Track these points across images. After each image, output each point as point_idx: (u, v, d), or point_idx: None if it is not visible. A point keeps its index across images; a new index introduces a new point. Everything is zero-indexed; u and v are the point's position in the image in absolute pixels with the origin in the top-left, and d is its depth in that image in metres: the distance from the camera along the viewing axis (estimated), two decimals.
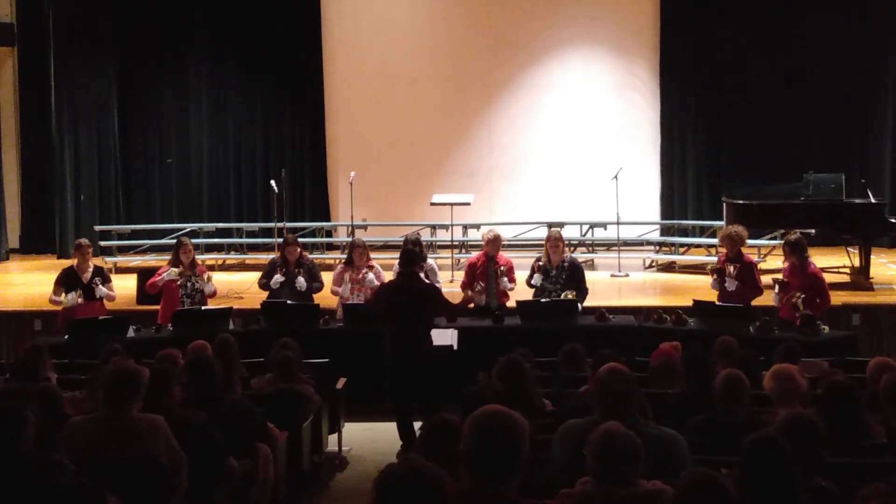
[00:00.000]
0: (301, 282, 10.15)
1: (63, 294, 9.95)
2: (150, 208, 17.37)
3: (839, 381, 5.46)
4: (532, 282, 10.05)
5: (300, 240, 14.55)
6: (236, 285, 12.92)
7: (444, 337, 8.83)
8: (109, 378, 5.34)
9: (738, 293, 9.54)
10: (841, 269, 12.92)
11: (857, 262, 12.63)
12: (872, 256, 12.61)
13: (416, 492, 2.74)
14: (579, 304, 9.86)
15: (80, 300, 9.94)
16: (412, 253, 8.73)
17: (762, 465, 3.86)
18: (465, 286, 10.19)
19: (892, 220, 12.85)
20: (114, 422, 5.21)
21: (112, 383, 5.28)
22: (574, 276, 10.02)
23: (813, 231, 13.18)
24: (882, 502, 3.31)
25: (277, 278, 10.18)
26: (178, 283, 10.09)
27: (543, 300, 9.86)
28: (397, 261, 10.11)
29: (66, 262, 10.89)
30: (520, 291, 10.24)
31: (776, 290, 9.40)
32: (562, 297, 9.83)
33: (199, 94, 17.27)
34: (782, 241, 10.70)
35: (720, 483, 3.62)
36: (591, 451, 3.84)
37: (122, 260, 15.48)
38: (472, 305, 10.04)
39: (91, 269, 10.17)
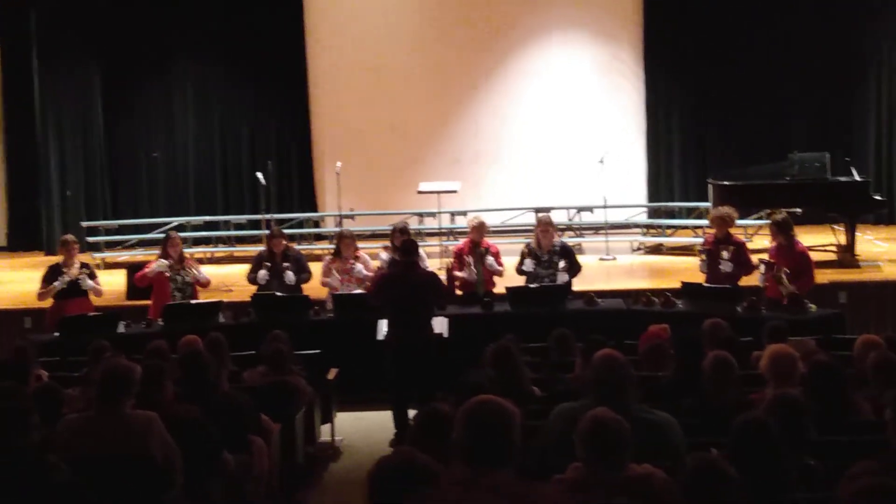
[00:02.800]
0: (290, 276, 10.16)
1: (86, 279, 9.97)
2: (138, 203, 17.35)
3: (822, 360, 5.51)
4: (523, 268, 10.07)
5: (288, 231, 14.66)
6: (225, 278, 12.92)
7: (434, 325, 8.87)
8: (101, 376, 5.35)
9: (729, 274, 9.59)
10: (827, 248, 12.99)
11: (843, 240, 12.70)
12: (858, 234, 12.69)
13: (409, 482, 2.77)
14: (568, 277, 9.91)
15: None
16: (412, 243, 8.77)
17: (750, 445, 3.91)
18: (452, 272, 10.23)
19: (877, 198, 12.94)
20: (107, 419, 5.22)
21: (104, 381, 5.29)
22: (567, 257, 10.06)
23: (799, 210, 13.25)
24: (870, 480, 3.35)
25: (262, 274, 10.18)
26: (168, 275, 10.09)
27: (533, 286, 9.89)
28: (382, 247, 10.20)
29: (54, 259, 10.87)
30: (510, 278, 10.28)
31: (762, 270, 9.46)
32: (558, 268, 9.85)
33: (183, 87, 17.24)
34: (769, 221, 10.75)
35: (724, 467, 3.66)
36: (581, 437, 3.88)
37: (109, 255, 15.46)
38: (459, 281, 10.07)
39: (77, 265, 10.16)
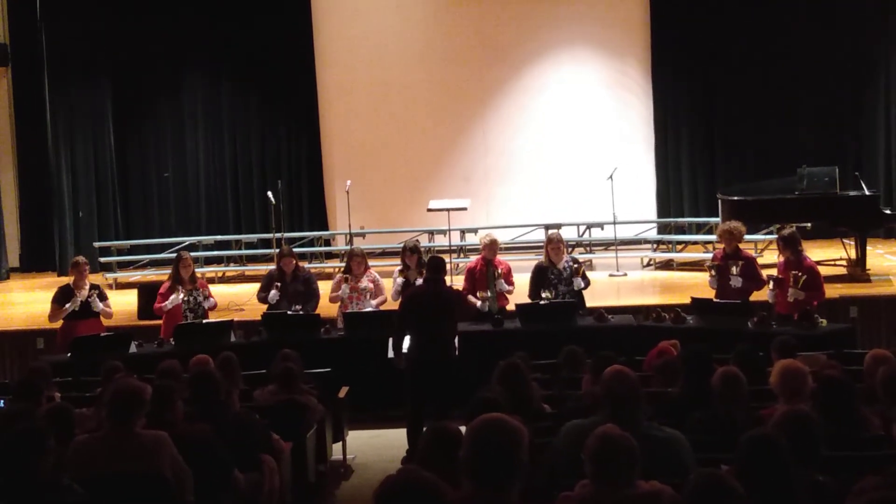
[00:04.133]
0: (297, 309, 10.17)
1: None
2: (149, 223, 17.42)
3: (832, 375, 5.51)
4: (542, 302, 9.98)
5: (299, 250, 14.69)
6: (236, 297, 12.97)
7: None
8: (112, 396, 5.38)
9: (739, 290, 9.59)
10: (837, 262, 12.97)
11: (853, 255, 12.68)
12: (868, 248, 12.66)
13: (415, 501, 2.78)
14: (583, 283, 9.95)
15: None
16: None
17: (760, 462, 3.91)
18: (466, 292, 10.22)
19: (887, 212, 12.90)
20: (118, 439, 5.25)
21: (115, 401, 5.32)
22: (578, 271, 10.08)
23: (808, 225, 13.23)
24: (877, 495, 3.35)
25: (273, 294, 10.20)
26: (183, 304, 10.15)
27: (543, 302, 9.89)
28: (397, 270, 10.19)
29: (66, 280, 10.93)
30: (520, 295, 10.28)
31: (771, 286, 9.45)
32: (574, 285, 9.87)
33: (193, 106, 17.33)
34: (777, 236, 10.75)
35: (729, 483, 3.66)
36: (589, 455, 3.88)
37: (122, 275, 15.53)
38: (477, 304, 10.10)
39: (87, 287, 10.21)
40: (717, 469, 3.90)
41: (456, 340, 8.85)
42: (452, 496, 2.93)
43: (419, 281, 9.30)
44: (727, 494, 3.60)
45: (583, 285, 10.01)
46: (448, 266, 13.78)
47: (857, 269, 12.38)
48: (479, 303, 10.02)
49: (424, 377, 8.23)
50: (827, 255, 13.20)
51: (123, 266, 16.01)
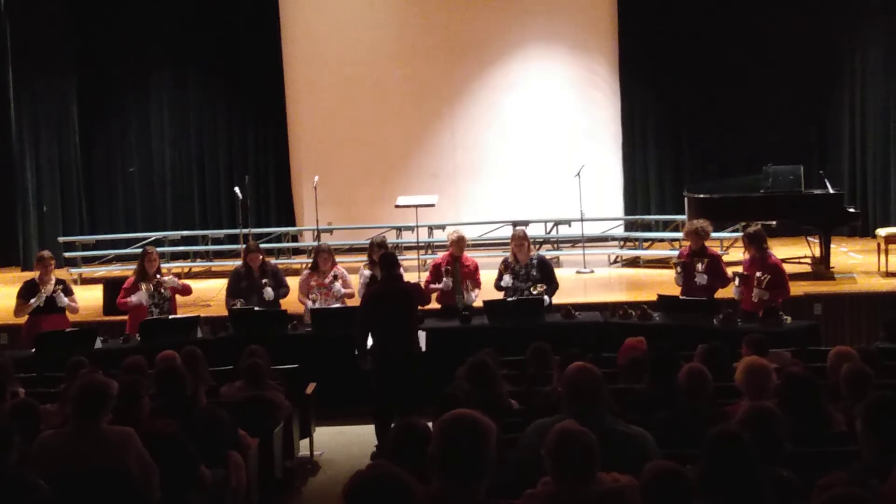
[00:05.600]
0: (269, 292, 10.15)
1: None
2: (114, 218, 17.30)
3: (796, 372, 5.56)
4: (501, 283, 10.10)
5: (266, 245, 14.66)
6: (203, 293, 12.90)
7: None
8: (78, 392, 5.34)
9: (705, 287, 9.65)
10: (802, 260, 13.08)
11: (817, 252, 12.80)
12: (833, 246, 12.78)
13: (384, 497, 2.78)
14: (548, 298, 9.95)
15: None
16: (391, 256, 8.76)
17: (725, 458, 3.93)
18: (427, 284, 10.25)
19: (851, 210, 13.04)
20: (84, 435, 5.22)
21: (81, 397, 5.28)
22: (544, 272, 10.10)
23: (774, 223, 13.34)
24: (839, 491, 3.39)
25: (232, 305, 10.13)
26: (146, 302, 10.08)
27: (510, 299, 9.92)
28: (363, 264, 10.19)
29: (31, 275, 10.83)
30: (488, 292, 10.31)
31: (736, 283, 9.53)
32: (533, 290, 9.90)
33: (159, 101, 17.22)
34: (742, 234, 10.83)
35: (682, 474, 3.70)
36: (548, 451, 3.90)
37: (87, 271, 15.41)
38: (436, 293, 10.11)
39: (53, 281, 10.13)
40: (670, 461, 3.93)
41: (421, 335, 8.90)
42: (421, 492, 2.94)
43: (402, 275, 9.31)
44: (679, 485, 3.63)
45: (546, 300, 10.01)
46: (416, 262, 13.92)
47: (822, 267, 12.50)
48: (441, 284, 10.05)
49: (389, 374, 8.24)
50: (792, 252, 13.33)
51: (88, 261, 15.89)
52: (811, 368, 6.35)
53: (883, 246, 12.59)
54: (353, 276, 10.52)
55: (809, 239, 13.24)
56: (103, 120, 17.22)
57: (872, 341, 9.31)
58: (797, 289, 10.77)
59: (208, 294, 12.67)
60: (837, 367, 6.02)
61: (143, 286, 10.07)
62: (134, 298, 10.10)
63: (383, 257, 8.75)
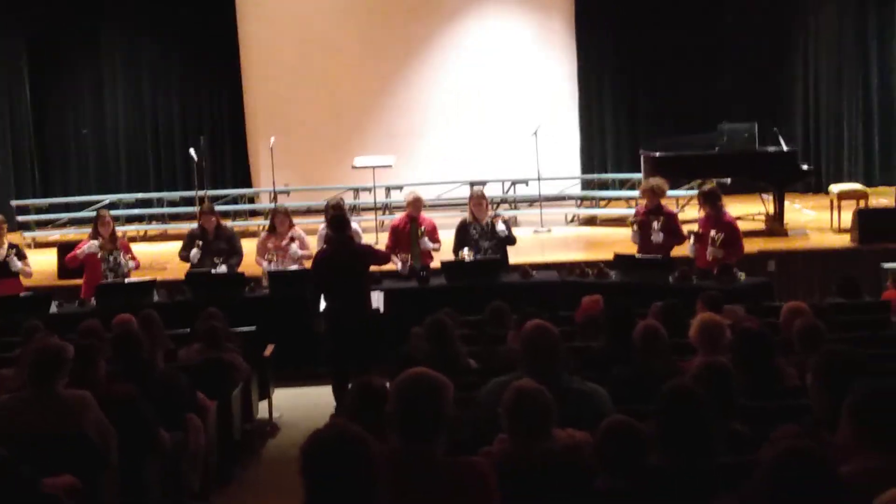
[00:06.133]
0: (221, 268, 10.08)
1: None
2: (67, 181, 17.10)
3: (749, 328, 5.63)
4: (466, 257, 10.04)
5: (222, 207, 14.57)
6: (159, 256, 12.81)
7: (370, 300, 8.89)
8: (33, 356, 5.32)
9: (661, 245, 9.73)
10: (756, 217, 13.21)
11: (771, 209, 12.93)
12: (786, 203, 12.90)
13: (342, 455, 2.80)
14: (506, 230, 10.01)
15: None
16: (341, 218, 8.73)
17: (678, 413, 3.99)
18: (389, 250, 10.23)
19: (804, 167, 13.17)
20: (40, 399, 5.19)
21: (36, 361, 5.26)
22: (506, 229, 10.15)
23: (728, 180, 13.44)
24: (789, 443, 3.45)
25: (194, 253, 10.12)
26: (100, 256, 10.00)
27: (467, 259, 9.94)
28: (322, 226, 10.15)
29: None
30: (446, 252, 10.32)
31: (692, 241, 9.61)
32: (496, 228, 9.93)
33: (112, 61, 16.99)
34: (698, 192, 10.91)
35: (636, 428, 3.75)
36: (505, 409, 3.95)
37: (40, 234, 15.24)
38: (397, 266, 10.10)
39: (6, 246, 10.02)
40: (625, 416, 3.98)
41: (379, 295, 8.91)
42: (379, 450, 2.96)
43: (354, 238, 9.27)
44: (633, 438, 3.69)
45: (504, 229, 10.03)
46: (374, 223, 13.90)
47: (776, 224, 12.63)
48: (399, 265, 10.01)
49: (342, 336, 8.24)
50: (746, 210, 13.44)
51: (42, 225, 15.70)
52: (765, 324, 6.43)
53: (836, 202, 12.73)
54: (310, 238, 10.48)
55: (763, 196, 13.36)
56: (55, 81, 16.96)
57: (825, 297, 9.45)
58: (751, 246, 10.88)
59: (164, 257, 12.58)
60: (790, 322, 6.10)
61: (94, 241, 9.98)
62: (84, 248, 10.00)
63: (333, 219, 8.71)
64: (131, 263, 10.23)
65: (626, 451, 3.72)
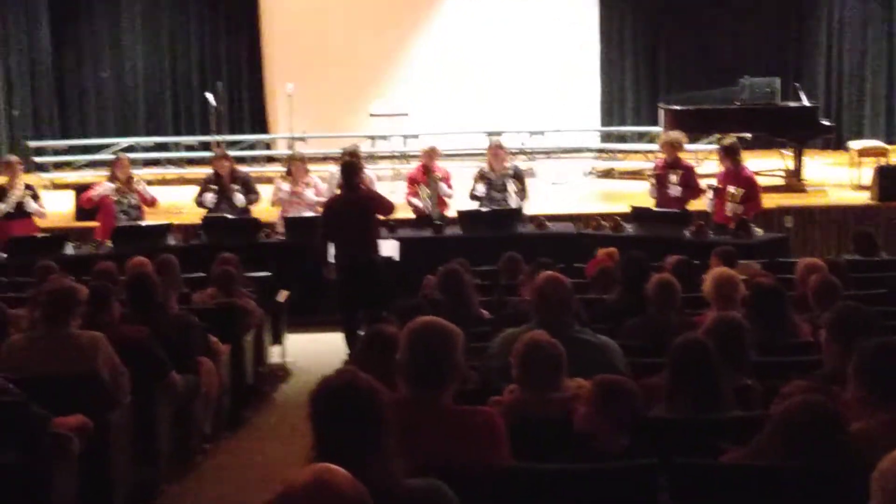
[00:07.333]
0: (239, 198, 10.10)
1: None
2: (86, 123, 17.06)
3: (764, 283, 5.60)
4: (476, 192, 10.09)
5: (239, 153, 14.53)
6: (176, 200, 12.81)
7: (385, 248, 8.88)
8: (47, 296, 5.33)
9: (678, 198, 9.68)
10: (775, 172, 13.11)
11: (791, 165, 12.83)
12: (806, 159, 12.80)
13: (351, 402, 2.79)
14: (523, 206, 9.96)
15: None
16: (351, 165, 8.69)
17: (689, 366, 3.99)
18: (408, 198, 10.25)
19: (825, 123, 13.05)
20: (53, 339, 5.21)
21: (49, 301, 5.27)
22: (519, 181, 10.14)
23: (749, 135, 13.33)
24: (800, 398, 3.44)
25: (210, 197, 10.11)
26: (115, 198, 10.01)
27: (484, 209, 9.92)
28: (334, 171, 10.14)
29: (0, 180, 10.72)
30: (462, 202, 10.30)
31: (710, 195, 9.56)
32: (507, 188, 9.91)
33: (131, 5, 16.89)
34: (717, 146, 10.84)
35: (627, 386, 3.74)
36: (516, 360, 3.95)
37: (58, 176, 15.24)
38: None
39: (22, 187, 10.04)
40: (619, 375, 3.97)
41: (394, 244, 8.90)
42: (389, 398, 2.95)
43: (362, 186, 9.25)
44: (624, 396, 3.67)
45: (515, 190, 10.01)
46: (391, 172, 13.86)
47: (794, 180, 12.54)
48: (419, 202, 10.03)
49: (351, 284, 8.23)
50: (765, 165, 13.34)
51: (59, 167, 15.70)
52: (780, 280, 6.40)
53: (856, 159, 12.62)
54: (325, 185, 10.46)
55: (783, 151, 13.25)
56: (74, 24, 16.88)
57: (841, 253, 9.40)
58: (769, 202, 10.80)
59: (181, 202, 12.58)
60: (806, 278, 6.07)
61: (112, 186, 9.99)
62: (99, 189, 10.02)
63: (344, 166, 8.66)
64: (148, 193, 10.25)
65: (617, 407, 3.68)
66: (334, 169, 9.87)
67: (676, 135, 10.08)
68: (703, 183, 9.99)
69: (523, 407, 3.89)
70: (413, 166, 10.73)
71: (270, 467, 5.98)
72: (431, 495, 2.77)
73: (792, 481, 3.36)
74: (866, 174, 12.26)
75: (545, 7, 16.65)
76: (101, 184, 10.15)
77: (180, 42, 17.00)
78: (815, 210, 11.47)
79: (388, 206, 8.78)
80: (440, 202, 10.22)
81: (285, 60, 16.75)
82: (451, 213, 10.23)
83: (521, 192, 10.08)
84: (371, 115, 14.32)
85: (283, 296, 8.76)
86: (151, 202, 10.34)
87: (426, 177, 10.19)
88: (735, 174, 9.49)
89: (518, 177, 10.16)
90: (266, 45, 16.93)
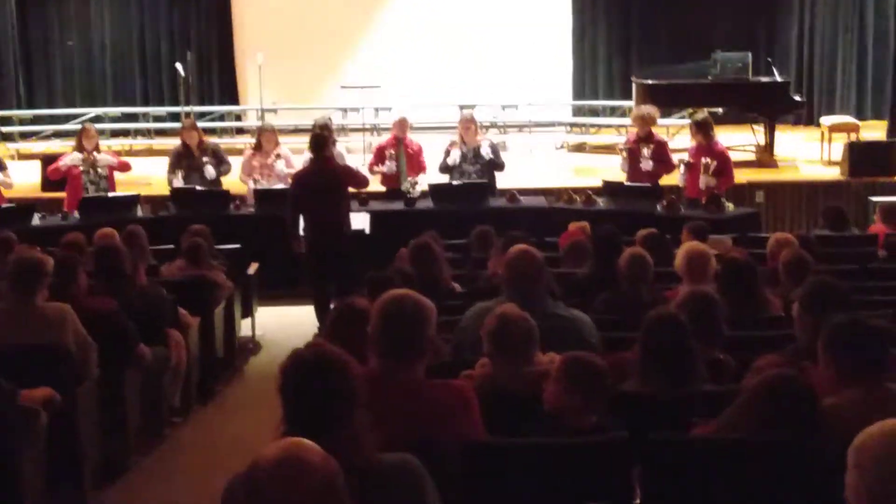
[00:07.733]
0: (210, 171, 10.01)
1: None
2: (52, 93, 16.84)
3: (735, 257, 5.61)
4: (448, 161, 10.04)
5: (209, 124, 14.41)
6: (144, 172, 12.68)
7: (355, 221, 8.83)
8: (12, 267, 5.26)
9: (650, 173, 9.69)
10: (747, 148, 13.14)
11: (762, 140, 12.86)
12: (777, 134, 12.84)
13: (322, 376, 2.76)
14: (495, 178, 9.95)
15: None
16: (321, 138, 8.64)
17: (661, 340, 3.98)
18: (372, 167, 10.19)
19: (797, 98, 13.09)
20: (19, 311, 5.16)
21: (15, 273, 5.20)
22: (492, 154, 10.08)
23: (720, 110, 13.36)
24: (772, 372, 3.45)
25: (173, 179, 9.99)
26: (81, 169, 9.90)
27: (455, 182, 9.89)
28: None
29: None
30: (433, 175, 10.26)
31: (682, 169, 9.57)
32: (480, 151, 9.91)
33: None
34: (690, 121, 10.85)
35: (595, 362, 3.72)
36: (488, 334, 3.93)
37: (24, 146, 15.06)
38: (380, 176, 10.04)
39: None
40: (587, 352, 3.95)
41: (365, 217, 8.86)
42: (360, 371, 2.93)
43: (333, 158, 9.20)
44: (592, 371, 3.66)
45: (489, 152, 9.97)
46: (362, 145, 13.78)
47: (766, 155, 12.57)
48: (385, 168, 10.03)
49: (321, 256, 8.20)
50: (737, 140, 13.36)
51: (25, 136, 15.51)
52: (751, 255, 6.41)
53: (827, 135, 12.67)
54: (297, 157, 10.38)
55: (754, 126, 13.28)
56: None
57: (812, 229, 9.44)
58: (740, 176, 10.83)
59: (150, 174, 12.45)
60: (777, 253, 6.09)
61: (79, 156, 9.88)
62: (66, 159, 9.91)
63: (313, 138, 8.61)
64: (114, 160, 10.15)
65: (583, 384, 3.67)
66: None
67: (649, 109, 10.08)
68: (675, 157, 9.99)
69: (495, 381, 3.88)
70: (385, 139, 10.65)
71: (240, 440, 5.94)
72: (403, 470, 2.75)
73: (764, 455, 3.37)
74: (837, 150, 12.30)
75: None
76: (69, 154, 10.02)
77: (149, 11, 16.75)
78: (787, 185, 11.52)
79: (361, 180, 8.73)
80: (414, 169, 10.17)
81: (255, 30, 16.58)
82: (422, 185, 10.16)
83: (498, 167, 10.06)
84: (342, 87, 14.22)
85: (253, 268, 8.70)
86: (123, 167, 10.26)
87: (397, 151, 10.14)
88: (707, 149, 9.51)
89: (492, 150, 10.11)
90: (236, 14, 16.73)
